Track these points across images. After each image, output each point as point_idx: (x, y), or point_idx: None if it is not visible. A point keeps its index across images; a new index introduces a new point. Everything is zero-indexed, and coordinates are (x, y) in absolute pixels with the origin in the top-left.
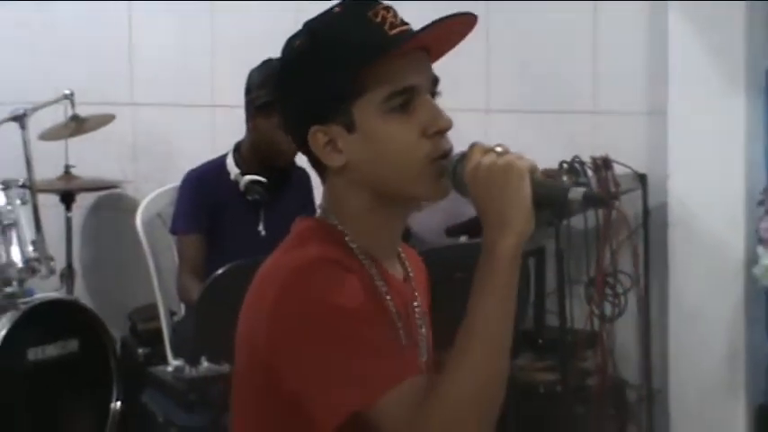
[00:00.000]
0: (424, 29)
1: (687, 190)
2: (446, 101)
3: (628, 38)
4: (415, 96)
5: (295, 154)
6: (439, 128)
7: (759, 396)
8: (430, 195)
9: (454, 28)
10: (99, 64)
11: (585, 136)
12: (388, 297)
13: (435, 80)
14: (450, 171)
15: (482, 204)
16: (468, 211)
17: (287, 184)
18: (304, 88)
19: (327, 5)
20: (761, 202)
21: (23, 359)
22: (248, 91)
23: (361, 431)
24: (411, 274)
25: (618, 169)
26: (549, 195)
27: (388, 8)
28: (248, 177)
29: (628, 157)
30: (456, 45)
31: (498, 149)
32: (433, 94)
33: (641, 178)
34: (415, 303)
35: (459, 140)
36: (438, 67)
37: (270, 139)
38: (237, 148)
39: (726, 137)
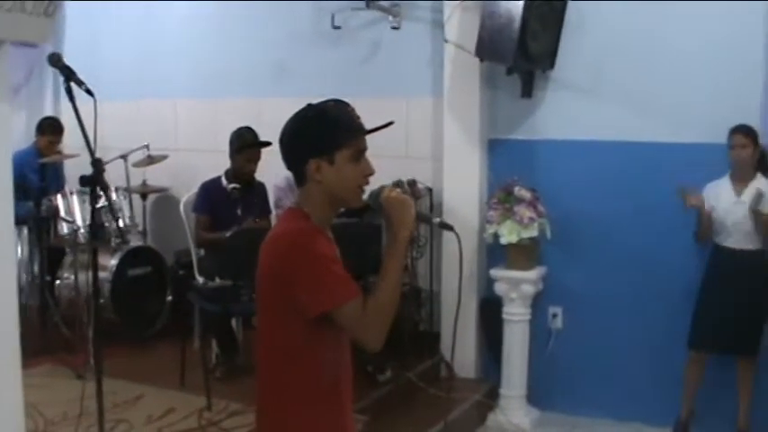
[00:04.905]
0: (374, 128)
1: (451, 195)
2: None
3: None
4: (362, 155)
5: (254, 173)
6: (370, 172)
7: (481, 294)
8: (356, 204)
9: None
10: (160, 130)
11: (405, 168)
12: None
13: (366, 147)
14: (372, 197)
15: (391, 215)
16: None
17: (251, 189)
18: (313, 137)
19: None
20: (487, 203)
21: (126, 274)
22: (232, 143)
23: (327, 325)
24: (331, 236)
25: (420, 185)
26: (424, 218)
27: (353, 108)
28: (232, 185)
29: (425, 179)
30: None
31: (398, 189)
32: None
33: (429, 190)
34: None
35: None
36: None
37: (243, 166)
38: (227, 172)
39: (470, 170)
